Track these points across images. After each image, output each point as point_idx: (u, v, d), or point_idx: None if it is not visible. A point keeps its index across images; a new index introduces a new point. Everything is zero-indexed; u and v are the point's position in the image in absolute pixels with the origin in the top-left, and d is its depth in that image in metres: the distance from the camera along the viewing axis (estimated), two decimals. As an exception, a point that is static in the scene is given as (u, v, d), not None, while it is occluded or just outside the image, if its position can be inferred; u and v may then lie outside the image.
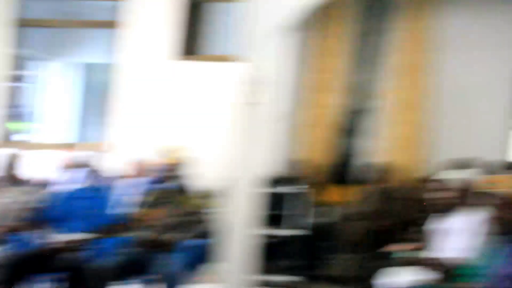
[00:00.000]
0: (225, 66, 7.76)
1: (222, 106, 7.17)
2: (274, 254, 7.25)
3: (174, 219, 5.42)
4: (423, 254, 5.17)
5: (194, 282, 6.43)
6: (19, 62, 10.35)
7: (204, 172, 7.57)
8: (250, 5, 5.80)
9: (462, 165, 6.54)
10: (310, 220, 7.72)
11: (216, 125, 8.06)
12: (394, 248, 5.95)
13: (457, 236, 4.84)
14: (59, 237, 5.66)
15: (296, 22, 6.90)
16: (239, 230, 5.79)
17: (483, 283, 4.09)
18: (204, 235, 5.50)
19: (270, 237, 7.17)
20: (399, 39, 9.09)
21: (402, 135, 9.02)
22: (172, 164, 5.61)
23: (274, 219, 7.32)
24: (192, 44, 9.30)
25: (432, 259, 4.89)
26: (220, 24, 8.98)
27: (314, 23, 9.02)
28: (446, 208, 5.05)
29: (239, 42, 5.95)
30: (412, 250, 5.52)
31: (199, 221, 5.54)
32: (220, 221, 5.96)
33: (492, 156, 8.39)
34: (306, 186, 7.72)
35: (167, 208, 5.49)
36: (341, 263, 7.97)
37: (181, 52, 9.20)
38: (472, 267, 4.45)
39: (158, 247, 5.34)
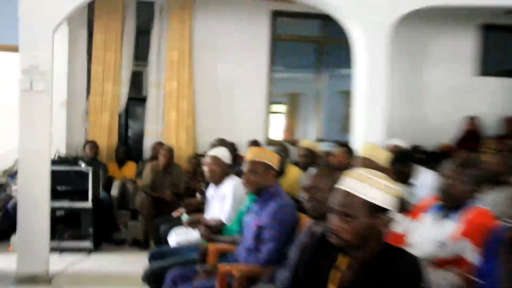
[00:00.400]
0: (12, 56, 7.44)
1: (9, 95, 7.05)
2: (67, 224, 7.28)
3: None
4: (199, 216, 5.34)
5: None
6: None
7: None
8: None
9: (223, 143, 6.82)
10: (100, 193, 7.72)
11: (4, 113, 8.04)
12: (177, 212, 6.19)
13: (222, 202, 5.04)
14: None
15: (75, 17, 6.99)
16: (33, 204, 5.96)
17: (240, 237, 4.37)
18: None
19: (62, 209, 7.27)
20: (168, 36, 9.38)
21: (174, 119, 9.36)
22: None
23: (65, 193, 7.26)
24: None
25: (205, 219, 5.07)
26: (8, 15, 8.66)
27: (95, 20, 9.12)
28: (213, 178, 5.18)
29: (20, 33, 5.87)
30: (190, 213, 5.76)
31: None
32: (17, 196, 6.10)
33: (256, 134, 9.13)
34: (96, 164, 7.76)
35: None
36: (131, 228, 8.21)
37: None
38: (233, 225, 4.74)
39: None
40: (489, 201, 4.55)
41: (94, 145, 8.74)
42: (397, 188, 2.35)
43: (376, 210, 2.25)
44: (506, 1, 7.67)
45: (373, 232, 2.26)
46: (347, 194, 2.28)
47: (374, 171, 2.36)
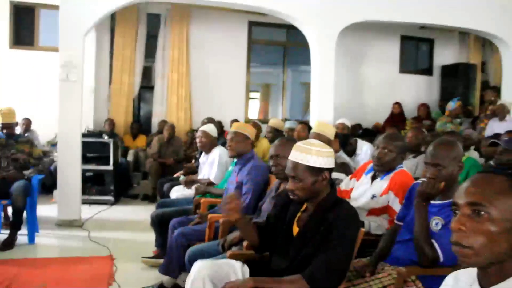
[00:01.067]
0: (52, 55, 7.42)
1: (52, 84, 6.94)
2: (94, 182, 7.28)
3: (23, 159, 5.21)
4: (195, 177, 5.25)
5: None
6: None
7: (43, 128, 7.50)
8: (64, 9, 5.83)
9: (211, 121, 6.81)
10: (119, 159, 7.70)
11: (48, 97, 7.89)
12: (177, 174, 6.15)
13: (211, 166, 5.00)
14: None
15: (101, 23, 6.94)
16: (69, 166, 5.95)
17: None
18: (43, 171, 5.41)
19: (90, 171, 7.25)
20: (170, 40, 9.31)
21: (175, 103, 9.32)
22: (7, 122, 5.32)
23: (92, 159, 7.28)
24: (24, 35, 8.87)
25: (199, 180, 5.01)
26: (49, 22, 8.58)
27: (116, 27, 9.03)
28: (203, 148, 5.12)
29: (59, 37, 5.88)
30: (186, 175, 5.70)
31: (39, 162, 5.41)
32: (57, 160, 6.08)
33: (237, 115, 9.13)
34: (115, 137, 7.71)
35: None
36: (143, 186, 8.20)
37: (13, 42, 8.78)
38: (220, 184, 4.69)
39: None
40: (409, 165, 4.60)
41: (111, 122, 8.69)
42: (329, 150, 2.38)
43: (316, 171, 2.31)
44: (419, 19, 7.73)
45: (318, 186, 2.33)
46: (294, 163, 2.34)
47: (312, 142, 2.42)
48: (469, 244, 1.25)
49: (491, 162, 5.12)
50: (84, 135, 6.77)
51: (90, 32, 6.34)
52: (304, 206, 2.45)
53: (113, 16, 8.76)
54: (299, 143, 2.41)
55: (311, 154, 2.31)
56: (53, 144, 7.64)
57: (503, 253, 1.25)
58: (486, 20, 7.72)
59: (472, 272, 1.37)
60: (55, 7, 6.12)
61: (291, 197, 2.37)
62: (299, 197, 2.33)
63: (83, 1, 5.89)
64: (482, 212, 1.26)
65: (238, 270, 2.40)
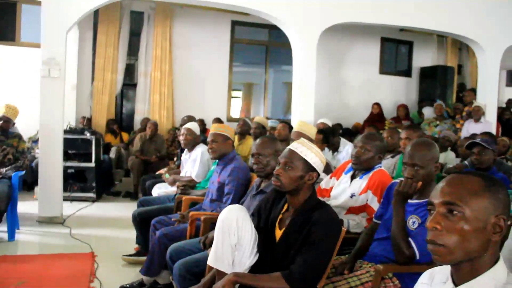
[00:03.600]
0: (34, 51, 7.33)
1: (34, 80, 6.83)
2: (76, 179, 7.18)
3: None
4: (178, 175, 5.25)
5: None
6: None
7: (24, 124, 7.39)
8: (46, 5, 5.77)
9: (192, 119, 6.78)
10: (100, 155, 7.62)
11: (30, 94, 7.75)
12: (159, 172, 6.09)
13: (193, 164, 4.99)
14: None
15: (84, 20, 6.90)
16: (50, 163, 5.90)
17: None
18: (23, 167, 5.35)
19: (72, 168, 7.15)
20: (153, 38, 9.25)
21: (157, 101, 9.26)
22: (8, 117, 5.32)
23: (74, 156, 7.20)
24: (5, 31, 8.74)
25: (183, 177, 5.01)
26: (31, 18, 8.46)
27: (99, 24, 8.94)
28: (187, 145, 5.11)
29: (41, 33, 5.82)
30: (170, 173, 5.59)
31: (20, 157, 5.35)
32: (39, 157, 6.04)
33: (220, 113, 9.12)
34: (97, 134, 7.64)
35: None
36: (125, 183, 8.15)
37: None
38: (202, 182, 4.73)
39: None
40: (388, 165, 4.64)
41: (87, 119, 8.60)
42: (324, 159, 2.48)
43: (308, 167, 2.38)
44: (398, 22, 7.85)
45: (302, 183, 2.37)
46: (293, 152, 2.42)
47: (313, 144, 2.50)
48: (444, 242, 1.29)
49: (466, 162, 5.21)
50: (65, 131, 6.71)
51: (72, 28, 6.29)
52: (285, 207, 2.46)
53: (96, 13, 8.66)
54: (303, 139, 2.52)
55: (311, 151, 2.41)
56: (35, 141, 7.57)
57: (474, 251, 1.29)
58: (463, 25, 7.87)
59: (446, 270, 1.40)
60: (37, 3, 6.02)
61: (274, 183, 2.40)
62: (282, 184, 2.36)
63: (65, -2, 5.82)
64: (456, 212, 1.30)
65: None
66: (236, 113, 11.09)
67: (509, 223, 2.62)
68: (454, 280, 1.36)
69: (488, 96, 8.27)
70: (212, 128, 4.15)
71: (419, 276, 1.59)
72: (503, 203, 1.33)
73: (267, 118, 9.08)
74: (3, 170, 5.07)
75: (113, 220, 6.21)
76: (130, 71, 9.47)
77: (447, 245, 1.28)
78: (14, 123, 5.50)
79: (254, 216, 2.57)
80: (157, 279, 3.67)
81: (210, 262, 2.37)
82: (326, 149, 5.90)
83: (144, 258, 3.91)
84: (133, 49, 9.38)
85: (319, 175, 2.44)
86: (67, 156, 6.90)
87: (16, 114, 5.42)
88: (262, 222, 2.49)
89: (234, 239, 2.33)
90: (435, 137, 7.64)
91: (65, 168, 6.64)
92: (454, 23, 7.84)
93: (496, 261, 1.32)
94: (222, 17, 9.46)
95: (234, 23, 9.89)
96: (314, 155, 2.41)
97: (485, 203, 1.30)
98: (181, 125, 5.82)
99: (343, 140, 5.99)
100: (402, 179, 2.69)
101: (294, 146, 2.45)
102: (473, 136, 6.05)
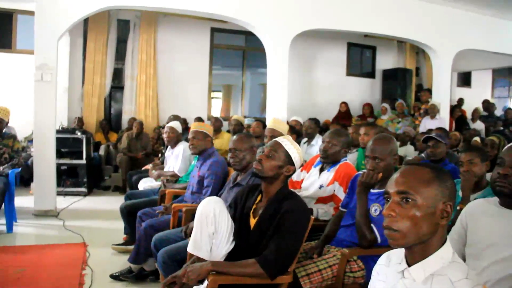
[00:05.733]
0: (28, 57, 7.15)
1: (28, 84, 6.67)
2: (68, 175, 7.09)
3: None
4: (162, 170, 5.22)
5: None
6: None
7: (20, 125, 7.29)
8: (39, 15, 5.68)
9: (177, 118, 6.74)
10: (91, 153, 7.54)
11: (25, 96, 7.59)
12: (145, 167, 6.03)
13: (176, 160, 4.98)
14: None
15: (74, 28, 6.81)
16: (44, 161, 5.82)
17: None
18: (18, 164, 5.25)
19: (65, 164, 7.06)
20: (139, 44, 9.14)
21: (143, 102, 9.16)
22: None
23: (66, 154, 7.11)
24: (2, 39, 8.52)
25: (167, 172, 4.98)
26: (26, 27, 8.28)
27: (88, 32, 8.80)
28: (170, 142, 5.08)
29: (34, 41, 5.73)
30: (155, 168, 5.56)
31: (15, 156, 5.25)
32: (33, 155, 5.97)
33: (201, 113, 9.07)
34: (87, 133, 7.54)
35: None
36: (114, 178, 8.05)
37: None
38: (184, 177, 4.68)
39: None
40: (353, 158, 4.68)
41: (80, 120, 8.43)
42: (302, 157, 2.53)
43: (288, 160, 2.41)
44: (363, 29, 7.92)
45: (280, 173, 2.39)
46: (278, 143, 2.46)
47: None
48: (398, 227, 1.31)
49: (423, 154, 5.28)
50: (58, 131, 6.66)
51: (64, 36, 6.18)
52: (259, 198, 2.46)
53: (85, 21, 8.51)
54: (288, 136, 2.57)
55: (294, 147, 2.44)
56: (30, 140, 7.42)
57: (425, 234, 1.32)
58: (419, 31, 8.02)
59: (401, 252, 1.42)
60: (31, 13, 5.95)
61: (255, 167, 2.41)
62: (262, 169, 2.37)
63: (57, 8, 5.72)
64: (409, 199, 1.32)
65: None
66: (216, 112, 11.07)
67: (458, 208, 2.68)
68: (407, 261, 1.38)
69: (442, 95, 8.42)
70: (193, 126, 4.12)
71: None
72: (450, 191, 1.36)
73: (245, 117, 9.10)
74: (0, 168, 4.99)
75: (103, 212, 6.13)
76: (117, 75, 9.32)
77: (401, 230, 1.31)
78: (7, 123, 5.38)
79: (231, 207, 2.56)
80: (143, 266, 3.64)
81: (189, 249, 2.36)
82: (301, 142, 5.93)
83: (131, 247, 3.89)
84: (120, 55, 9.24)
85: (295, 170, 2.45)
86: (60, 154, 6.81)
87: (7, 115, 5.28)
88: (238, 212, 2.48)
89: (211, 228, 2.32)
90: (397, 133, 7.74)
91: (58, 165, 6.55)
92: (411, 30, 7.98)
93: (443, 243, 1.34)
94: (202, 24, 9.40)
95: (214, 30, 9.83)
96: (296, 151, 2.44)
97: (434, 191, 1.32)
98: (167, 123, 5.76)
99: (317, 136, 6.01)
100: (365, 170, 2.72)
101: (281, 139, 2.48)
102: (429, 131, 6.12)
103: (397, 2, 7.78)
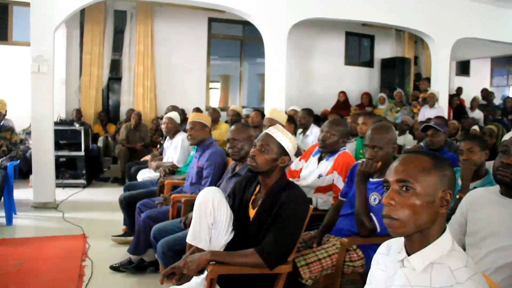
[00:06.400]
0: (25, 49, 7.09)
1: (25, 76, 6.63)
2: (67, 167, 7.08)
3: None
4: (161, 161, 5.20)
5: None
6: None
7: (18, 117, 7.25)
8: (35, 6, 5.64)
9: (175, 109, 6.69)
10: (89, 145, 7.51)
11: (22, 88, 7.56)
12: (144, 158, 6.09)
13: (175, 150, 5.00)
14: None
15: (71, 19, 6.77)
16: (42, 153, 5.81)
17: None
18: (16, 157, 5.24)
19: (63, 156, 7.05)
20: (136, 35, 9.09)
21: (141, 93, 9.13)
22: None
23: (65, 146, 7.07)
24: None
25: (165, 163, 4.99)
26: (22, 18, 8.23)
27: (85, 23, 8.74)
28: (169, 133, 5.08)
29: (30, 33, 5.68)
30: (153, 159, 5.52)
31: (15, 147, 5.23)
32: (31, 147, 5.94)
33: (199, 103, 9.05)
34: (85, 125, 7.51)
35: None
36: (112, 170, 8.03)
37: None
38: (183, 167, 4.68)
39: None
40: (352, 148, 4.67)
41: (78, 111, 8.41)
42: (296, 145, 2.48)
43: (282, 151, 2.37)
44: (361, 18, 7.89)
45: (275, 165, 2.36)
46: (269, 135, 2.40)
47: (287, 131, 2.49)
48: (397, 216, 1.30)
49: (421, 144, 5.27)
50: (56, 123, 6.63)
51: (60, 27, 6.14)
52: (257, 189, 2.44)
53: (82, 13, 8.45)
54: (279, 126, 2.50)
55: (286, 137, 2.39)
56: (28, 133, 7.40)
57: (424, 223, 1.31)
58: (418, 20, 7.99)
59: (401, 241, 1.41)
60: (27, 4, 5.88)
61: (249, 163, 2.38)
62: (257, 165, 2.33)
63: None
64: (409, 188, 1.31)
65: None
66: (215, 103, 11.03)
67: (457, 196, 2.67)
68: (407, 250, 1.37)
69: (441, 84, 8.39)
70: (191, 117, 4.09)
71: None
72: (449, 179, 1.35)
73: (243, 107, 9.08)
74: None
75: (102, 204, 6.13)
76: (115, 66, 9.28)
77: (400, 218, 1.30)
78: (4, 115, 5.35)
79: (230, 197, 2.55)
80: (143, 257, 3.65)
81: (188, 240, 2.35)
82: (297, 132, 5.92)
83: (131, 238, 3.90)
84: (117, 46, 9.19)
85: (290, 159, 2.43)
86: (58, 146, 6.80)
87: (4, 107, 5.27)
88: (237, 202, 2.47)
89: (210, 218, 2.31)
90: (396, 123, 7.72)
91: (57, 157, 6.55)
92: (410, 19, 7.94)
93: (443, 231, 1.34)
94: (200, 14, 9.35)
95: (211, 20, 9.78)
96: (288, 141, 2.39)
97: (434, 180, 1.31)
98: (165, 114, 5.75)
99: (312, 125, 6.00)
100: (363, 160, 2.71)
101: (271, 131, 2.42)
102: (428, 120, 6.12)
103: (395, -10, 7.75)
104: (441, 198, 1.31)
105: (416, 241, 1.33)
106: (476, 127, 6.20)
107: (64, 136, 7.07)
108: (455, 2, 8.16)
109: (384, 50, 11.43)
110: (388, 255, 1.48)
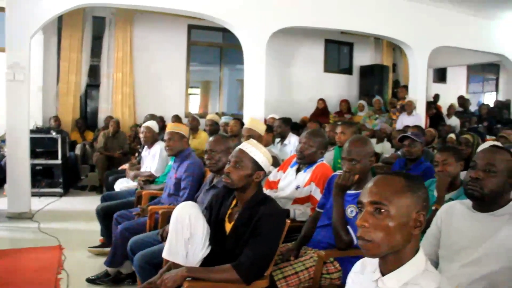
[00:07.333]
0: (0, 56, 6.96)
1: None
2: (44, 176, 6.96)
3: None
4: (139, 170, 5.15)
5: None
6: None
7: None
8: (10, 12, 5.53)
9: (154, 117, 6.64)
10: (66, 152, 7.40)
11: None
12: (122, 167, 6.02)
13: (153, 160, 4.91)
14: None
15: (48, 25, 6.67)
16: (18, 161, 5.70)
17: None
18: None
19: (40, 165, 6.93)
20: (115, 42, 9.02)
21: (119, 100, 9.04)
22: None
23: (41, 154, 6.97)
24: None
25: (143, 172, 4.92)
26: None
27: (63, 29, 8.64)
28: (147, 142, 5.03)
29: (6, 38, 5.56)
30: (131, 169, 5.46)
31: None
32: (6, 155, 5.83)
33: (178, 110, 9.00)
34: (63, 132, 7.41)
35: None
36: (90, 178, 7.88)
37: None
38: (161, 177, 4.66)
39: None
40: (331, 157, 4.69)
41: (57, 119, 8.29)
42: (271, 158, 2.48)
43: (257, 166, 2.37)
44: (340, 26, 7.94)
45: (251, 181, 2.36)
46: (243, 151, 2.39)
47: (261, 145, 2.49)
48: (371, 238, 1.31)
49: (399, 152, 5.33)
50: (32, 131, 6.52)
51: (37, 33, 6.01)
52: (234, 202, 2.44)
53: (60, 19, 8.33)
54: (252, 140, 2.50)
55: (259, 151, 2.40)
56: (3, 140, 7.26)
57: (398, 244, 1.32)
58: (395, 29, 8.10)
59: (375, 260, 1.42)
60: (2, 10, 5.81)
61: (224, 180, 2.37)
62: (232, 181, 2.33)
63: (29, 5, 5.57)
64: (382, 210, 1.31)
65: None
66: (194, 109, 11.00)
67: (433, 208, 2.70)
68: (381, 270, 1.38)
69: (418, 92, 8.51)
70: (168, 127, 4.07)
71: (357, 259, 1.61)
72: (423, 200, 1.36)
73: (223, 113, 9.08)
74: None
75: (80, 213, 6.03)
76: (93, 73, 9.15)
77: (374, 240, 1.30)
78: None
79: (207, 209, 2.54)
80: (120, 269, 3.60)
81: (164, 255, 2.33)
82: (275, 141, 5.92)
83: (108, 249, 3.83)
84: (96, 52, 9.08)
85: (265, 173, 2.43)
86: (34, 154, 6.70)
87: None
88: (213, 216, 2.46)
89: (187, 233, 2.29)
90: (374, 130, 7.79)
91: (33, 166, 6.44)
92: (388, 27, 8.05)
93: (416, 251, 1.35)
94: (179, 21, 9.30)
95: (191, 27, 9.75)
96: (262, 155, 2.40)
97: (408, 201, 1.33)
98: (144, 122, 5.70)
99: (290, 134, 6.02)
100: (341, 172, 2.73)
101: (245, 146, 2.43)
102: (405, 128, 6.19)
103: (374, -1, 7.85)
104: (414, 220, 1.33)
105: (390, 262, 1.34)
106: (452, 135, 6.30)
107: (41, 144, 6.95)
108: (432, 11, 8.28)
109: (363, 57, 11.54)
110: (363, 273, 1.49)
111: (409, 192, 1.33)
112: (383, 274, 1.37)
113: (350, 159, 2.66)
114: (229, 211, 2.42)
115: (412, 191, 1.34)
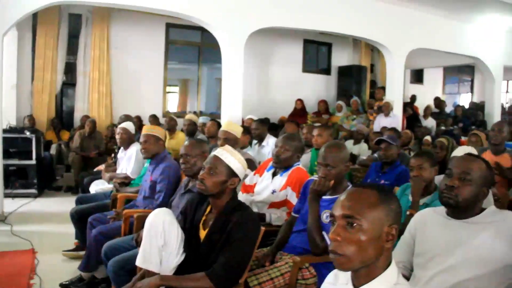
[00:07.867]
0: None
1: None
2: (17, 176, 6.81)
3: None
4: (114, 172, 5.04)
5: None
6: None
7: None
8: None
9: (129, 118, 6.56)
10: (41, 152, 7.22)
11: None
12: (98, 168, 5.91)
13: (129, 161, 4.83)
14: None
15: (22, 22, 6.52)
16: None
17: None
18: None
19: (13, 165, 6.78)
20: (91, 40, 8.89)
21: (96, 99, 8.92)
22: None
23: (15, 154, 6.83)
24: None
25: (119, 174, 4.84)
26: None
27: (38, 26, 8.46)
28: (123, 144, 4.94)
29: None
30: (107, 170, 5.33)
31: None
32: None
33: (156, 109, 8.92)
34: (37, 132, 7.27)
35: None
36: (66, 178, 7.78)
37: None
38: (137, 179, 4.56)
39: None
40: (308, 159, 4.70)
41: (31, 118, 8.12)
42: (246, 165, 2.47)
43: (231, 173, 2.35)
44: (318, 27, 7.95)
45: (225, 187, 2.34)
46: (217, 158, 2.37)
47: (236, 152, 2.48)
48: (343, 252, 1.30)
49: (375, 155, 5.37)
50: (5, 131, 6.39)
51: (11, 30, 5.88)
52: (208, 209, 2.42)
53: (35, 16, 8.18)
54: (227, 147, 2.49)
55: (234, 158, 2.38)
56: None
57: (370, 258, 1.32)
58: (373, 30, 8.18)
59: (348, 273, 1.41)
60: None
61: (198, 187, 2.34)
62: (206, 188, 2.31)
63: (2, 1, 5.41)
64: (355, 224, 1.31)
65: None
66: (173, 108, 10.93)
67: (408, 213, 2.72)
68: (354, 283, 1.38)
69: (395, 93, 8.61)
70: (144, 129, 4.01)
71: (332, 265, 1.60)
72: (396, 214, 1.36)
73: (201, 112, 9.03)
74: None
75: (54, 215, 5.90)
76: (69, 71, 8.99)
77: (346, 254, 1.30)
78: None
79: (182, 214, 2.52)
80: (95, 273, 3.56)
81: (138, 263, 2.30)
82: (253, 143, 5.91)
83: (83, 252, 3.78)
84: (72, 50, 8.94)
85: (240, 180, 2.41)
86: (8, 154, 6.56)
87: None
88: (188, 223, 2.44)
89: (161, 241, 2.27)
90: (352, 131, 7.85)
91: (6, 166, 6.31)
92: (365, 29, 8.12)
93: (388, 264, 1.35)
94: (157, 20, 9.19)
95: (169, 25, 9.65)
96: (237, 162, 2.38)
97: (380, 215, 1.32)
98: (119, 123, 5.62)
99: (268, 135, 6.01)
100: (316, 177, 2.73)
101: (219, 152, 2.40)
102: (382, 131, 6.24)
103: (352, 1, 7.88)
104: (387, 233, 1.33)
105: (362, 276, 1.34)
106: (428, 137, 6.39)
107: (14, 144, 6.81)
108: (409, 13, 8.39)
109: (341, 57, 11.62)
110: (336, 285, 1.48)
111: (382, 206, 1.33)
112: (355, 286, 1.36)
113: (326, 165, 2.66)
114: (203, 218, 2.40)
115: (385, 204, 1.34)
